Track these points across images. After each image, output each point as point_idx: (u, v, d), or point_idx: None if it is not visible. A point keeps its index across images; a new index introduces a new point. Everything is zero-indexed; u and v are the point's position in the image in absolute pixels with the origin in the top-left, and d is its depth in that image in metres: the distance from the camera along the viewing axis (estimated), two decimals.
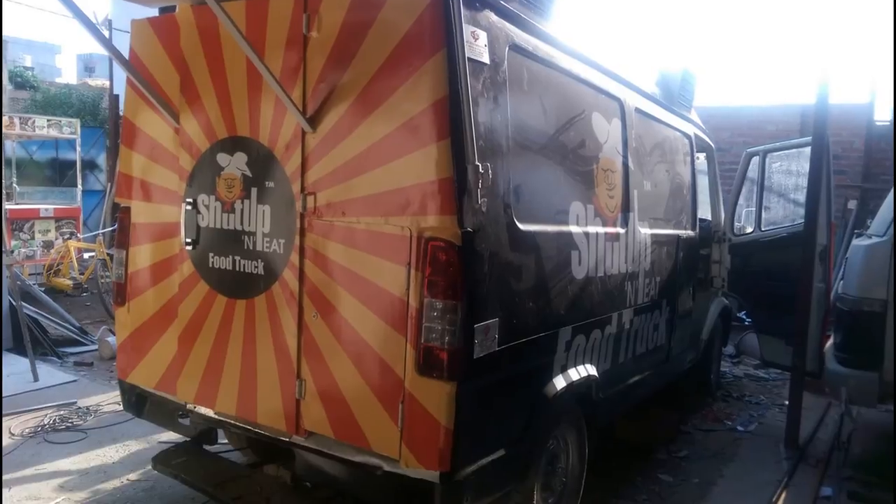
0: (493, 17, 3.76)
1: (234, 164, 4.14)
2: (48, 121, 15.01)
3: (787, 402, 7.15)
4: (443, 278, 3.42)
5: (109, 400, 7.04)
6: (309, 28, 3.78)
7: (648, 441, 6.70)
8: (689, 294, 6.95)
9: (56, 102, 25.23)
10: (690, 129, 7.02)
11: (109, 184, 17.24)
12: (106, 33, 15.81)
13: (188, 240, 4.37)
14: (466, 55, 3.37)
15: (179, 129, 4.41)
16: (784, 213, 9.11)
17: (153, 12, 4.63)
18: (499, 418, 3.90)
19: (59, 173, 19.01)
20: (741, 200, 8.28)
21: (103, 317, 11.17)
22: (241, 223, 4.14)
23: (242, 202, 4.12)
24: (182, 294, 4.43)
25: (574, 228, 4.51)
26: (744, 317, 10.43)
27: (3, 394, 6.28)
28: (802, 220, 6.70)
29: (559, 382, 4.35)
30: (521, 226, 3.87)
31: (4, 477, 5.19)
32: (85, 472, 5.50)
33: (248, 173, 4.08)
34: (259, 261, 4.07)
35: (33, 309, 9.35)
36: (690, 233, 6.84)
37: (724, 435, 7.19)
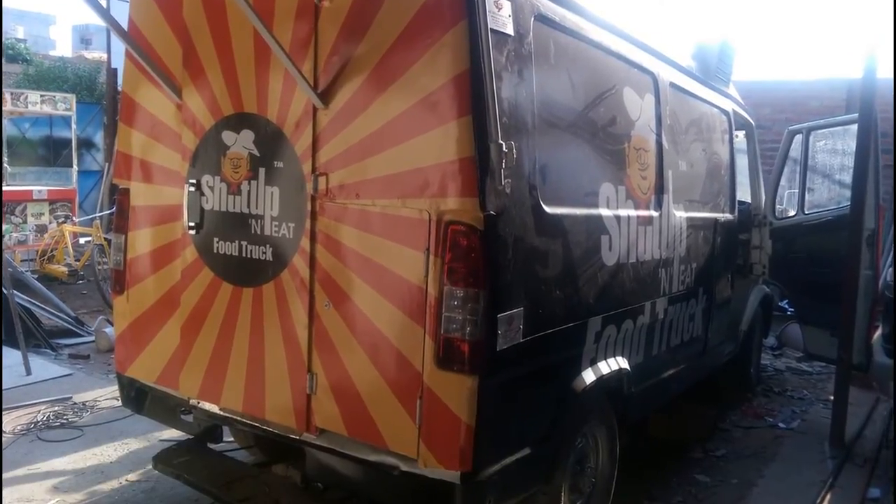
0: None
1: (241, 143, 4.14)
2: (41, 96, 15.09)
3: (832, 398, 7.10)
4: (464, 265, 3.40)
5: (107, 395, 7.09)
6: None
7: (684, 439, 6.68)
8: (727, 282, 6.92)
9: (50, 77, 25.38)
10: (729, 105, 6.96)
11: (107, 164, 17.31)
12: (104, 2, 15.80)
13: (191, 224, 4.37)
14: (489, 26, 3.36)
15: (182, 105, 4.41)
16: (829, 195, 9.06)
17: None
18: (524, 414, 3.89)
19: (53, 152, 19.11)
20: (783, 181, 8.22)
21: (100, 306, 11.24)
22: (248, 206, 4.13)
23: (249, 183, 4.11)
24: (185, 282, 4.44)
25: (604, 211, 4.49)
26: (786, 306, 10.38)
27: None
28: (848, 203, 6.64)
29: (588, 376, 4.33)
30: (547, 208, 3.85)
31: None
32: (81, 472, 5.54)
33: (256, 152, 4.08)
34: (267, 246, 4.06)
35: (25, 298, 9.40)
36: (729, 216, 6.80)
37: (764, 432, 7.18)
